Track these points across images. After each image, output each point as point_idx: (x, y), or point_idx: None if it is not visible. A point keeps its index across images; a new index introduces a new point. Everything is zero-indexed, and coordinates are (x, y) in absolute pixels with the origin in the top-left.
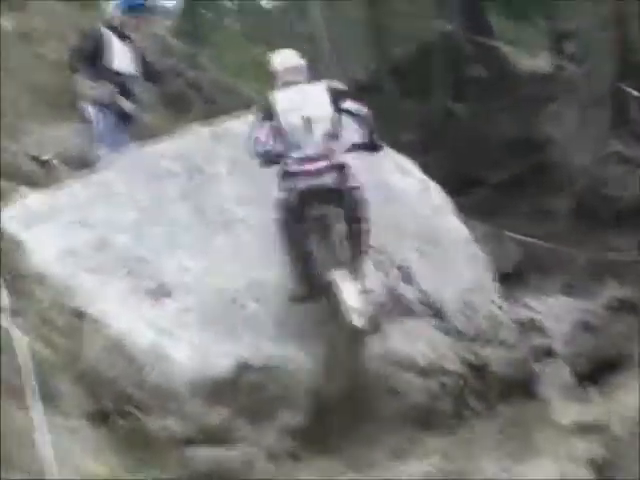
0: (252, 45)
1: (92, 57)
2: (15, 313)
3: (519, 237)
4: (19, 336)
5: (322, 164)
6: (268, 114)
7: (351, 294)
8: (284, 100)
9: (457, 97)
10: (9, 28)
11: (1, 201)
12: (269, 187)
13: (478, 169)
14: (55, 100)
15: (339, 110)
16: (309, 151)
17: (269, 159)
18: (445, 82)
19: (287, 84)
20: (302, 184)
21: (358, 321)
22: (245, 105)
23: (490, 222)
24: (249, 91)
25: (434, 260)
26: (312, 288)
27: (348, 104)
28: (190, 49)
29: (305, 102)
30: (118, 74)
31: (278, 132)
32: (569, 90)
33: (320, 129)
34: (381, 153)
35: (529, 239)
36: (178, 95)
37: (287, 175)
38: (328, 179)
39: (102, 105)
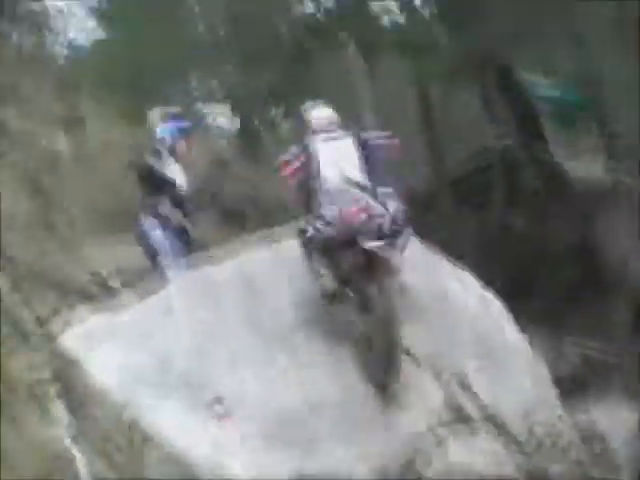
0: None
1: (151, 174)
2: (75, 432)
3: (577, 343)
4: (79, 455)
5: (361, 218)
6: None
7: None
8: (324, 151)
9: (513, 207)
10: (65, 151)
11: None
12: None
13: (535, 279)
14: (113, 218)
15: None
16: (344, 205)
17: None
18: (500, 193)
19: (323, 134)
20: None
21: None
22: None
23: (548, 329)
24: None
25: (493, 372)
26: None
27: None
28: (247, 167)
29: (341, 157)
30: (175, 192)
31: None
32: (624, 197)
33: (354, 184)
34: (441, 269)
35: (587, 345)
36: (235, 211)
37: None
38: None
39: (161, 221)
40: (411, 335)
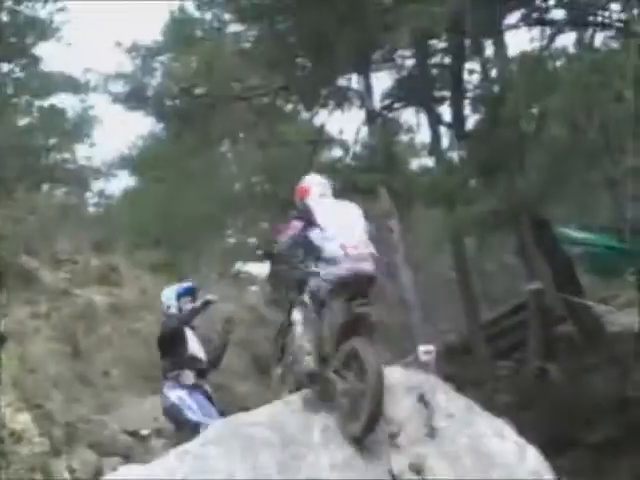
0: None
1: (172, 344)
2: None
3: None
4: None
5: (364, 251)
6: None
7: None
8: (321, 206)
9: (549, 356)
10: (102, 302)
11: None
12: (362, 453)
13: (573, 429)
14: (148, 372)
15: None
16: (349, 240)
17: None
18: (537, 341)
19: (320, 196)
20: (342, 270)
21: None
22: None
23: None
24: None
25: None
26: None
27: None
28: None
29: (340, 209)
30: (194, 359)
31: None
32: None
33: (357, 228)
34: (477, 417)
35: None
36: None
37: (325, 261)
38: (368, 266)
39: (187, 390)
40: None
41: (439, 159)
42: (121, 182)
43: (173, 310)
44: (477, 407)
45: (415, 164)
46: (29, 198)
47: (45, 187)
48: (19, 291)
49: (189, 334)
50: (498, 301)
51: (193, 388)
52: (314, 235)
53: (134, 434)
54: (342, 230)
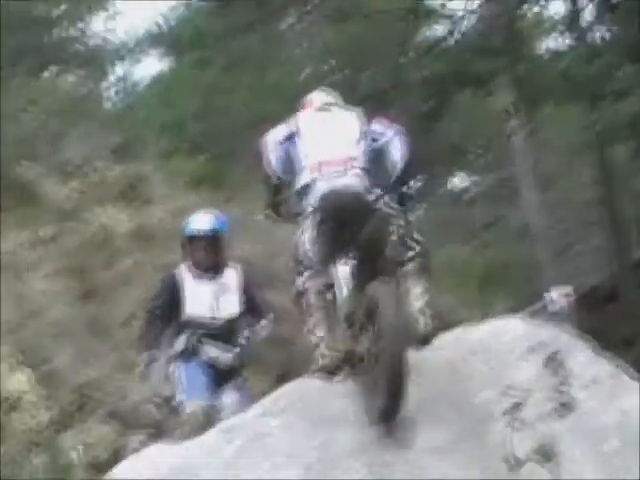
0: None
1: (167, 311)
2: None
3: None
4: None
5: (340, 167)
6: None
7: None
8: (310, 120)
9: None
10: (123, 227)
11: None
12: (470, 431)
13: None
14: None
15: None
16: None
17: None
18: None
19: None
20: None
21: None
22: None
23: None
24: None
25: None
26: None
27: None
28: None
29: (331, 124)
30: (201, 322)
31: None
32: None
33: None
34: (627, 386)
35: None
36: None
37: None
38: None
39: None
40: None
41: (578, 39)
42: (150, 67)
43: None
44: (627, 373)
45: (545, 46)
46: (28, 87)
47: (49, 72)
48: (14, 210)
49: (192, 286)
50: None
51: (186, 357)
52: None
53: (164, 403)
54: (320, 146)
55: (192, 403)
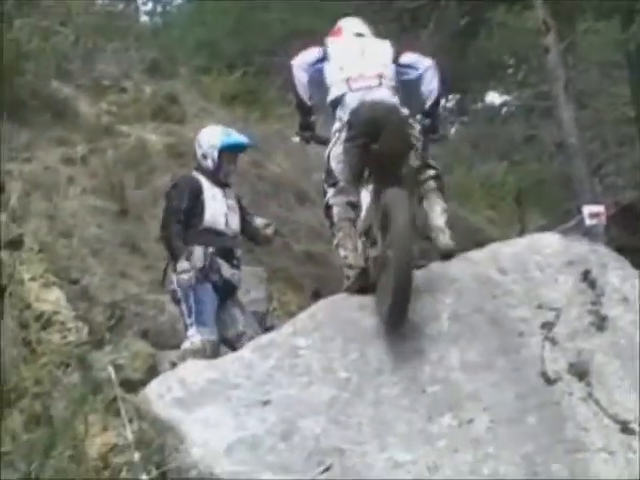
0: None
1: (186, 216)
2: None
3: None
4: None
5: (373, 82)
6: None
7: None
8: (339, 45)
9: None
10: (158, 144)
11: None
12: (503, 348)
13: None
14: None
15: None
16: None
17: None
18: None
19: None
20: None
21: (449, 241)
22: None
23: None
24: None
25: None
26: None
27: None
28: None
29: (363, 47)
30: (216, 233)
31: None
32: None
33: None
34: None
35: None
36: None
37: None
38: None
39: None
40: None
41: None
42: None
43: (209, 163)
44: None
45: None
46: (61, 3)
47: None
48: (48, 127)
49: (212, 195)
50: None
51: (204, 274)
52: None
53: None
54: (349, 64)
55: (201, 337)
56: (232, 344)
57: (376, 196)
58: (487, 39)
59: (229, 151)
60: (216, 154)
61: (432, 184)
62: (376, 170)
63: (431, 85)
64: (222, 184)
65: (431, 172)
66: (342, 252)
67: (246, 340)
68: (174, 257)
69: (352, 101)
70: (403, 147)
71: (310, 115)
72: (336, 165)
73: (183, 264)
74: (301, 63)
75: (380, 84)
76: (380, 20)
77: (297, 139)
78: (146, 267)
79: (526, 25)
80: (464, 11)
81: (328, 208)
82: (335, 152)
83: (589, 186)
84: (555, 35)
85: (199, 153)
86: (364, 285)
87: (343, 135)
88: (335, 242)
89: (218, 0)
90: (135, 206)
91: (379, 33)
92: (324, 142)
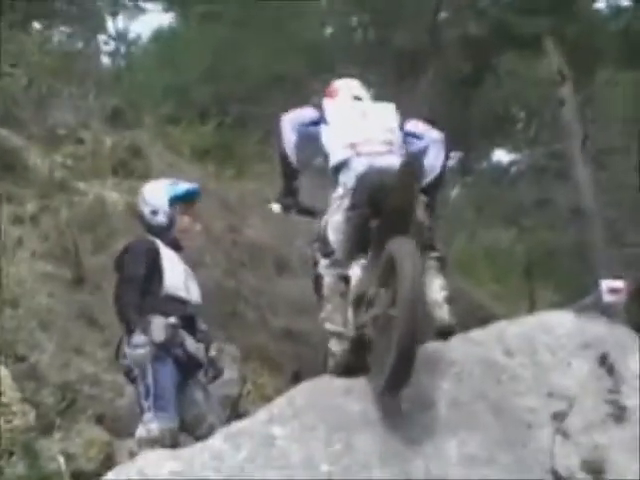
0: None
1: (143, 284)
2: None
3: None
4: None
5: (381, 148)
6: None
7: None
8: (338, 105)
9: None
10: (119, 203)
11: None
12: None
13: None
14: None
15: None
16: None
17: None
18: None
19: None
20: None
21: (448, 317)
22: None
23: None
24: None
25: None
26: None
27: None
28: None
29: (365, 112)
30: (179, 301)
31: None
32: None
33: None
34: None
35: None
36: None
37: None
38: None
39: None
40: None
41: None
42: (151, 20)
43: (162, 218)
44: None
45: (601, 1)
46: (13, 39)
47: (37, 25)
48: None
49: (169, 259)
50: None
51: (165, 349)
52: (323, 130)
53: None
54: (353, 128)
55: (159, 424)
56: (191, 430)
57: (375, 254)
58: (494, 88)
59: (182, 201)
60: (167, 207)
61: (433, 263)
62: (380, 227)
63: (435, 161)
64: (176, 246)
65: (434, 254)
66: (329, 326)
67: (206, 427)
68: (128, 330)
69: (359, 166)
70: (412, 199)
71: (294, 179)
72: (334, 235)
73: (139, 338)
74: (293, 121)
75: (390, 151)
76: (375, 66)
77: (277, 207)
78: (104, 343)
79: (538, 74)
80: (467, 55)
81: (318, 278)
82: (334, 220)
83: (608, 257)
84: (571, 86)
85: (147, 211)
86: (353, 363)
87: (346, 202)
88: (322, 315)
89: (189, 41)
90: (92, 273)
91: (378, 95)
92: (308, 212)
